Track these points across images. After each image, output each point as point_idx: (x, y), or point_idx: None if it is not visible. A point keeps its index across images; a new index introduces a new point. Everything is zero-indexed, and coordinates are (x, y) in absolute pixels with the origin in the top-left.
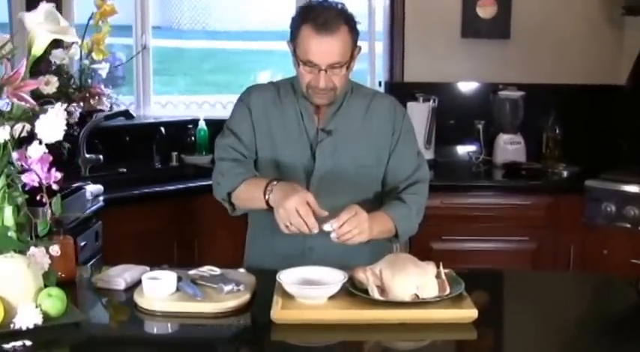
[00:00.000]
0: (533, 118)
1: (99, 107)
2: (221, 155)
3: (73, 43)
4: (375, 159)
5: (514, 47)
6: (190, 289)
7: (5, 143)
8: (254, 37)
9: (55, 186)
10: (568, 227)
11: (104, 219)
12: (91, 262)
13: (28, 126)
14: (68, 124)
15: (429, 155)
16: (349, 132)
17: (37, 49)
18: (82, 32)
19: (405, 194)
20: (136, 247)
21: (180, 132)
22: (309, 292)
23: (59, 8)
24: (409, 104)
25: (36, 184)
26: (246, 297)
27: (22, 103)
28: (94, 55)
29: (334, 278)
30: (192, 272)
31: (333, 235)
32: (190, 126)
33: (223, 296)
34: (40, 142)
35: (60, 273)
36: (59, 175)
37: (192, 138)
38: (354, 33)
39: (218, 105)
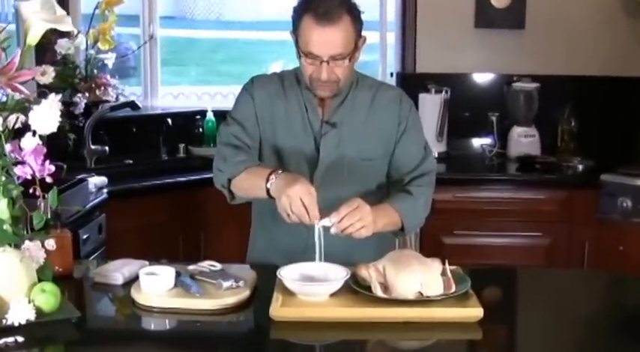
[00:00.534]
0: (548, 111)
1: (104, 98)
2: (224, 142)
3: (78, 32)
4: (381, 151)
5: (529, 37)
6: (189, 285)
7: None
8: (268, 27)
9: (48, 179)
10: (583, 222)
11: (108, 211)
12: (94, 256)
13: (22, 117)
14: (73, 115)
15: (441, 147)
16: (354, 124)
17: (32, 39)
18: (88, 22)
19: (412, 186)
20: (141, 240)
21: (187, 123)
22: (310, 289)
23: None
24: (421, 95)
25: (29, 177)
26: (245, 294)
27: (17, 94)
28: (99, 44)
29: (336, 274)
30: (191, 267)
31: (333, 230)
32: (198, 117)
33: (222, 293)
34: (34, 134)
35: (57, 268)
36: (53, 168)
37: (200, 130)
38: (358, 23)
39: (230, 95)
